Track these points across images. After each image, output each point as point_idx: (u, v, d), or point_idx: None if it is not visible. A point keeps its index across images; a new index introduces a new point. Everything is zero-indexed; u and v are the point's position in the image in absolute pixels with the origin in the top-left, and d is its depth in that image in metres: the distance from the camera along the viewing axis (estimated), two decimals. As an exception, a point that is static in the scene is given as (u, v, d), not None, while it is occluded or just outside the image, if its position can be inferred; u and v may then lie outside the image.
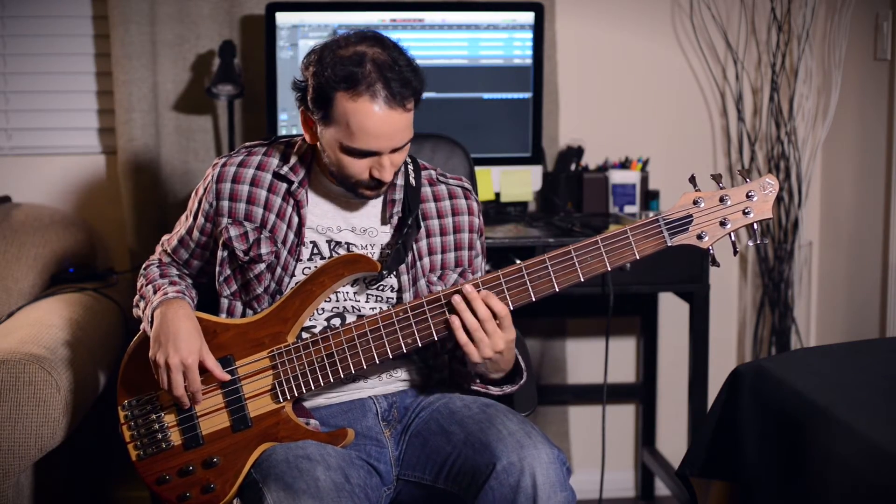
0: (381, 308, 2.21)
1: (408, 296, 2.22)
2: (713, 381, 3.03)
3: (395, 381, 2.25)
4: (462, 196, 2.31)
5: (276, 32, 3.14)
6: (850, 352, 2.39)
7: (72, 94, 3.41)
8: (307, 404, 2.20)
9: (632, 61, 3.56)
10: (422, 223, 2.25)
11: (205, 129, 3.36)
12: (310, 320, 2.20)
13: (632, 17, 3.54)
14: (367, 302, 2.21)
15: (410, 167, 2.27)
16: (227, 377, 2.14)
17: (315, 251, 2.21)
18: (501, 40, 3.23)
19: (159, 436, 2.17)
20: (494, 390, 2.22)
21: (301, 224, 2.20)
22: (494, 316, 2.06)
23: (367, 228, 2.23)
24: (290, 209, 2.21)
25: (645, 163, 3.43)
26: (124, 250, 3.37)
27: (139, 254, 3.28)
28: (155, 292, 2.22)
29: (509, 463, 2.00)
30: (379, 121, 2.05)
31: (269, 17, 3.14)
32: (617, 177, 3.36)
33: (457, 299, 2.07)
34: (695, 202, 2.08)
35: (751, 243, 2.11)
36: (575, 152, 3.41)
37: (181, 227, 2.32)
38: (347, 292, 2.21)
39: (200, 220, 2.26)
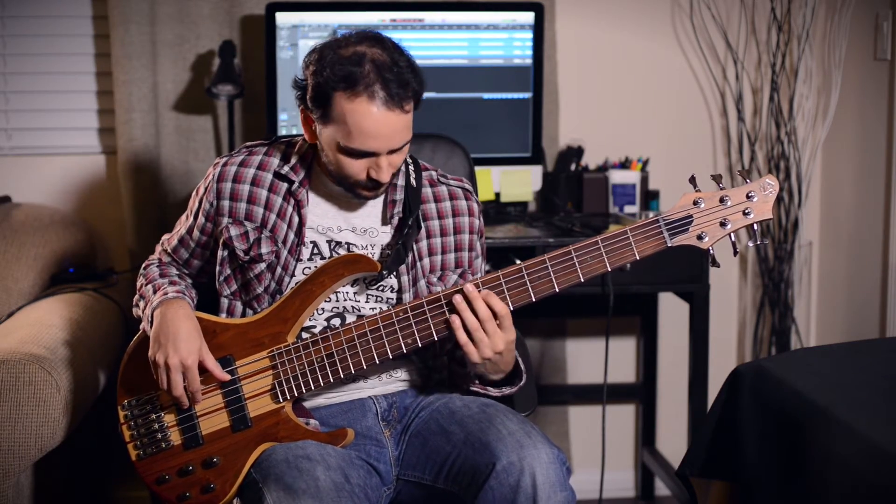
0: (381, 308, 2.21)
1: (408, 296, 2.21)
2: (713, 381, 3.03)
3: (394, 382, 2.25)
4: (462, 197, 2.31)
5: (276, 32, 3.14)
6: (850, 352, 2.39)
7: (72, 94, 3.40)
8: (307, 404, 2.20)
9: (632, 61, 3.55)
10: (422, 224, 2.25)
11: (205, 129, 3.36)
12: (310, 320, 2.20)
13: (632, 17, 3.54)
14: (367, 302, 2.21)
15: (411, 168, 2.27)
16: (227, 377, 2.14)
17: (315, 251, 2.21)
18: (501, 40, 3.23)
19: (159, 436, 2.17)
20: (493, 392, 2.22)
21: (301, 224, 2.20)
22: (495, 316, 2.06)
23: (367, 228, 2.23)
24: (290, 209, 2.21)
25: (645, 163, 3.43)
26: (124, 250, 3.37)
27: (139, 254, 3.27)
28: (155, 292, 2.22)
29: (509, 463, 2.00)
30: (376, 121, 2.05)
31: (269, 17, 3.14)
32: (617, 177, 3.36)
33: (458, 298, 2.07)
34: (695, 203, 2.08)
35: (751, 244, 2.11)
36: (575, 152, 3.41)
37: (181, 226, 2.32)
38: (347, 292, 2.21)
39: (201, 219, 2.26)
